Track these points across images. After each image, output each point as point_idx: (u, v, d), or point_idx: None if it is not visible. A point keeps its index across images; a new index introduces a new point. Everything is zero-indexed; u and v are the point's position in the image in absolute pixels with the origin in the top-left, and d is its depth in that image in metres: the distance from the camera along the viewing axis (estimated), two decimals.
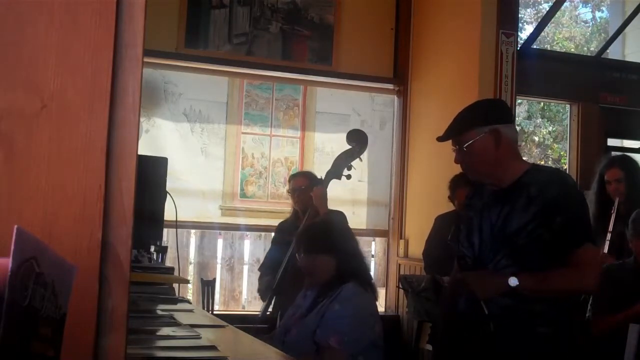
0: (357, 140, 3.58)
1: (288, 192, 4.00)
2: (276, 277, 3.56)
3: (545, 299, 2.19)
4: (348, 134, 3.66)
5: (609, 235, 3.65)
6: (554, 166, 12.92)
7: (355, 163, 3.61)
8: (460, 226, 2.45)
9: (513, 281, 2.12)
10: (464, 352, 2.32)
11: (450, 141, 2.35)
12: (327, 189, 3.59)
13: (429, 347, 4.16)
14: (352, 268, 2.64)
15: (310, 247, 2.69)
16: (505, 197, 2.26)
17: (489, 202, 2.32)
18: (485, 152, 2.26)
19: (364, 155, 5.29)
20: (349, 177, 3.56)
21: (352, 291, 2.55)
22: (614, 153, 4.99)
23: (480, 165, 2.30)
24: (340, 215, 3.64)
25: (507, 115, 2.39)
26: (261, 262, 4.20)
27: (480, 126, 2.26)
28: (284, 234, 3.83)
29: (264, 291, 3.77)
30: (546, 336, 2.19)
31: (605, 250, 3.64)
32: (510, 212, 2.22)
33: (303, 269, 2.72)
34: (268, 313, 3.58)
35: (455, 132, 2.32)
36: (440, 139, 2.37)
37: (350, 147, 3.58)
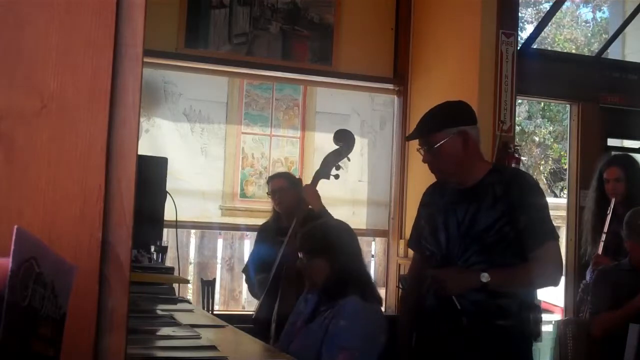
0: (345, 140, 3.58)
1: (267, 194, 3.99)
2: (266, 279, 3.54)
3: (508, 294, 2.31)
4: (335, 133, 3.65)
5: (603, 236, 3.64)
6: (554, 166, 12.94)
7: (341, 162, 3.59)
8: (422, 222, 2.51)
9: (484, 277, 2.22)
10: (435, 347, 2.37)
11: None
12: (318, 189, 3.59)
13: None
14: (352, 276, 2.59)
15: (309, 248, 2.68)
16: (471, 196, 2.35)
17: (454, 200, 2.40)
18: (453, 152, 2.34)
19: (364, 155, 5.33)
20: (337, 177, 3.55)
21: (356, 305, 2.49)
22: (614, 153, 4.99)
23: (448, 165, 2.38)
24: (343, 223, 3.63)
25: (472, 117, 2.47)
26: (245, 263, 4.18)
27: (450, 127, 2.34)
28: (267, 235, 3.82)
29: (259, 289, 3.76)
30: (508, 329, 2.30)
31: (600, 251, 3.64)
32: (478, 210, 2.32)
33: (301, 270, 2.71)
34: (258, 312, 3.58)
35: (425, 132, 2.40)
36: (409, 137, 2.46)
37: (337, 147, 3.58)
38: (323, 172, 3.54)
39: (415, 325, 2.54)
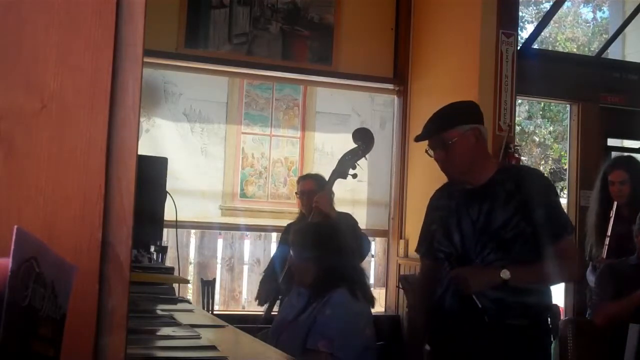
0: (363, 139, 3.56)
1: (296, 194, 3.99)
2: (279, 278, 3.54)
3: (527, 291, 2.30)
4: (354, 132, 3.63)
5: (607, 240, 3.64)
6: (554, 166, 12.94)
7: (359, 162, 3.59)
8: (433, 227, 2.50)
9: (505, 274, 2.22)
10: (457, 347, 2.37)
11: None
12: (333, 189, 3.58)
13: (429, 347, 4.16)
14: (342, 274, 2.63)
15: (299, 248, 2.72)
16: (482, 195, 2.35)
17: (465, 200, 2.40)
18: (466, 149, 2.34)
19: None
20: (354, 176, 3.54)
21: (342, 296, 2.55)
22: (614, 153, 4.99)
23: (461, 162, 2.37)
24: (347, 218, 3.63)
25: (481, 116, 2.49)
26: (267, 263, 4.18)
27: (462, 124, 2.35)
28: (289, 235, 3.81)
29: (265, 296, 3.76)
30: (527, 327, 2.30)
31: (604, 255, 3.63)
32: (492, 208, 2.32)
33: (291, 267, 2.75)
34: (273, 313, 3.57)
35: (437, 130, 2.39)
36: (420, 137, 2.44)
37: (355, 145, 3.56)
38: (340, 172, 3.52)
39: (430, 327, 2.53)
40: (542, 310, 2.36)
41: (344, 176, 3.52)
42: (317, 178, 3.97)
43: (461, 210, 2.38)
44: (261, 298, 3.85)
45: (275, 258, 3.95)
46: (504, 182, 2.33)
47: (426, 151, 2.43)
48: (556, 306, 2.43)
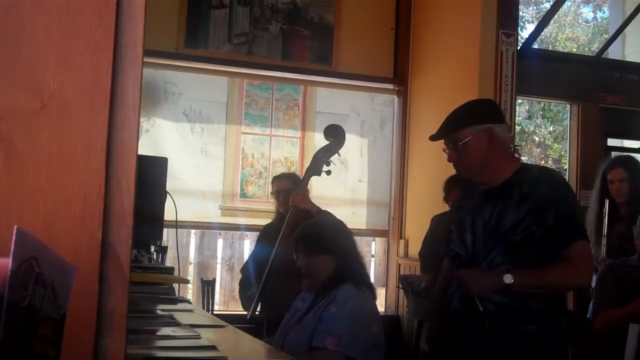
0: (335, 135, 3.54)
1: (272, 194, 3.98)
2: (262, 278, 3.52)
3: (536, 296, 2.22)
4: (325, 129, 3.62)
5: (604, 240, 3.63)
6: (554, 166, 12.94)
7: (333, 158, 3.57)
8: (451, 227, 2.47)
9: (508, 278, 2.15)
10: (458, 349, 2.34)
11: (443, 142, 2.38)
12: (309, 186, 3.58)
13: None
14: (350, 268, 2.63)
15: (310, 247, 2.67)
16: (497, 196, 2.30)
17: (480, 201, 2.35)
18: (479, 150, 2.30)
19: (364, 155, 5.33)
20: (329, 172, 3.52)
21: (349, 293, 2.53)
22: (614, 153, 4.99)
23: (474, 163, 2.33)
24: (331, 215, 3.63)
25: (499, 115, 2.44)
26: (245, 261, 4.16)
27: (475, 125, 2.31)
28: (270, 235, 3.79)
29: (248, 298, 3.74)
30: (537, 333, 2.22)
31: (603, 253, 3.63)
32: (504, 209, 2.26)
33: (303, 270, 2.69)
34: (257, 314, 3.56)
35: (450, 130, 2.35)
36: (434, 137, 2.40)
37: (328, 142, 3.55)
38: (314, 169, 3.51)
39: (435, 326, 2.51)
40: (552, 315, 2.26)
41: (318, 173, 3.51)
42: (291, 177, 3.98)
43: (475, 211, 2.33)
44: (246, 299, 3.83)
45: (255, 260, 3.89)
46: (520, 184, 2.26)
47: (444, 150, 2.40)
48: (570, 312, 2.31)
